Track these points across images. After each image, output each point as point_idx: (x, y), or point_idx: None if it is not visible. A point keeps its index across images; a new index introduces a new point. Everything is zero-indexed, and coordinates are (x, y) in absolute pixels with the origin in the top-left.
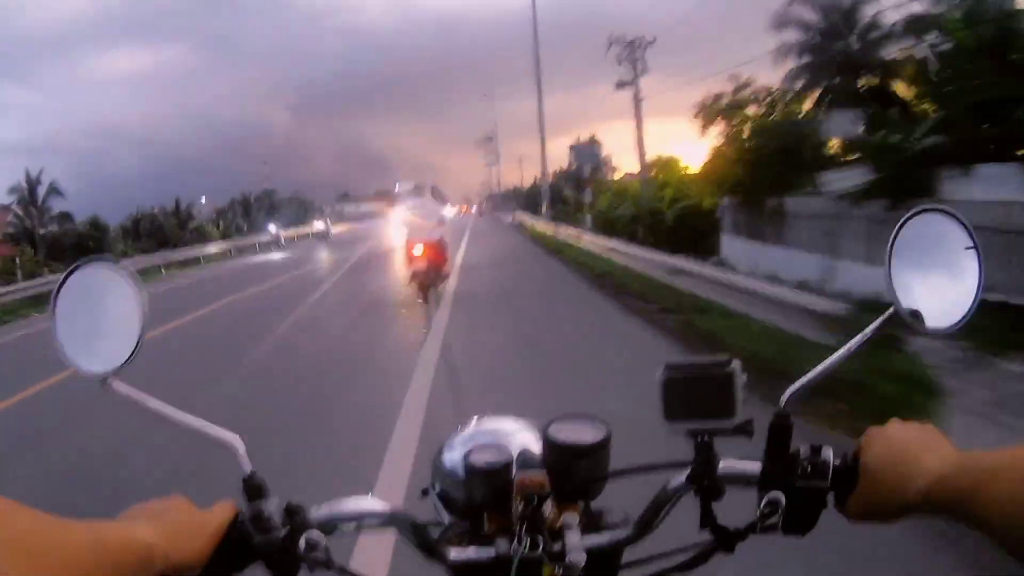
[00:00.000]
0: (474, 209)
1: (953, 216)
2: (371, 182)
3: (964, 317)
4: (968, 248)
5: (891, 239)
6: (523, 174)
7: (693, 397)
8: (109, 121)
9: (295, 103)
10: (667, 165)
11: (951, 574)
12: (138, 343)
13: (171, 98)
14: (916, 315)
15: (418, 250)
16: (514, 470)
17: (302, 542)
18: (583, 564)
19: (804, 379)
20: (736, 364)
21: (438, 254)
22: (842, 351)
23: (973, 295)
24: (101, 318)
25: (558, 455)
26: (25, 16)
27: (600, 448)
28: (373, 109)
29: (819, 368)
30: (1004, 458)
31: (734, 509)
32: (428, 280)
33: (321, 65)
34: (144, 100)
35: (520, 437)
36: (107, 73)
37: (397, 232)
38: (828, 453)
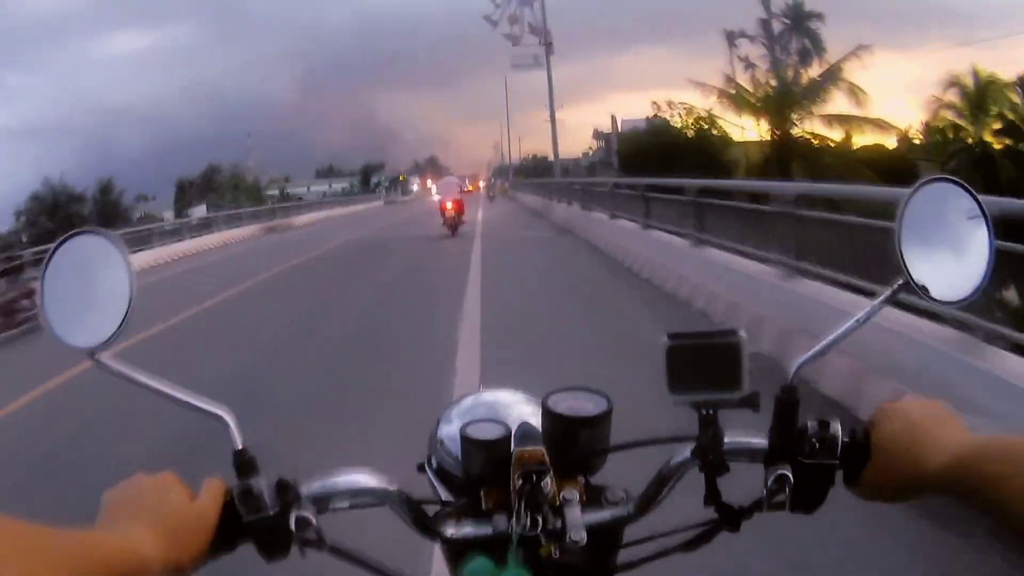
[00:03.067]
0: (482, 187)
1: (963, 187)
2: (377, 155)
3: (976, 289)
4: (975, 218)
5: (900, 209)
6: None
7: (698, 368)
8: (115, 101)
9: (302, 77)
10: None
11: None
12: (125, 316)
13: (177, 76)
14: (926, 287)
15: (449, 205)
16: (513, 444)
17: (293, 520)
18: (583, 542)
19: (813, 351)
20: (742, 334)
21: (460, 208)
22: (851, 322)
23: (984, 266)
24: (90, 291)
25: (558, 427)
26: (24, 1)
27: (601, 420)
28: (381, 82)
29: (828, 339)
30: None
31: (740, 487)
32: (455, 223)
33: (328, 37)
34: (150, 79)
35: (519, 410)
36: (110, 54)
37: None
38: (837, 428)
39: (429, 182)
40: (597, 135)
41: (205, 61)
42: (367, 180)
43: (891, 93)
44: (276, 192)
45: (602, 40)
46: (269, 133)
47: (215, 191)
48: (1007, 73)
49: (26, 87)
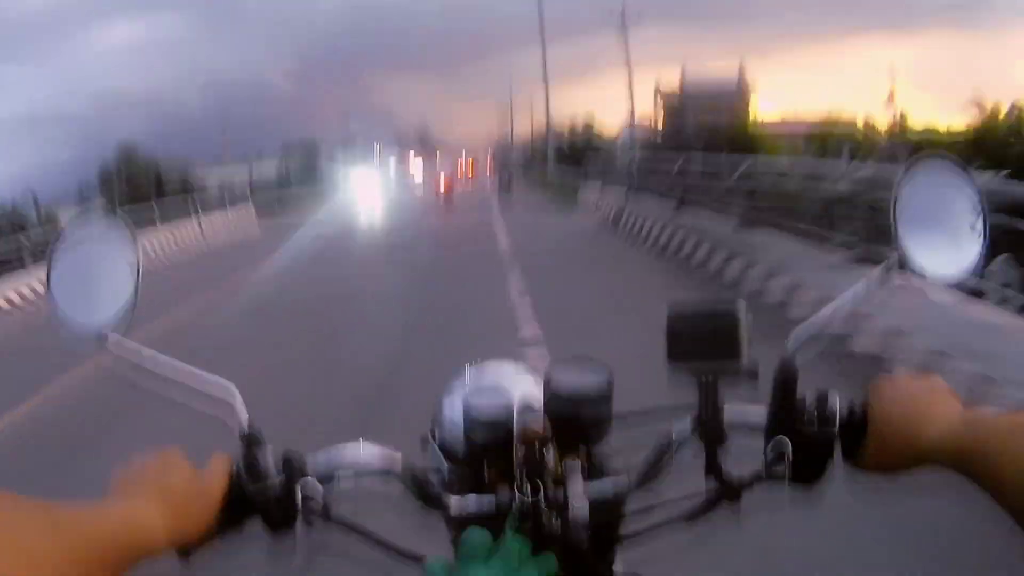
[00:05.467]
0: (479, 167)
1: (957, 165)
2: (365, 131)
3: (970, 267)
4: (970, 197)
5: (896, 186)
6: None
7: (698, 337)
8: (110, 89)
9: (295, 62)
10: None
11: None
12: (132, 299)
13: (171, 64)
14: (921, 264)
15: (443, 183)
16: (515, 416)
17: (298, 492)
18: (586, 513)
19: (809, 323)
20: (742, 305)
21: (452, 185)
22: (847, 296)
23: (978, 244)
24: (97, 273)
25: (559, 401)
26: None
27: (601, 393)
28: (376, 64)
29: (825, 312)
30: (1017, 422)
31: (739, 458)
32: (448, 196)
33: (322, 22)
34: (144, 67)
35: (521, 383)
36: (104, 44)
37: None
38: (835, 400)
39: (412, 155)
40: (664, 96)
41: (199, 46)
42: (314, 160)
43: None
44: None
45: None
46: (258, 113)
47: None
48: None
49: (23, 77)
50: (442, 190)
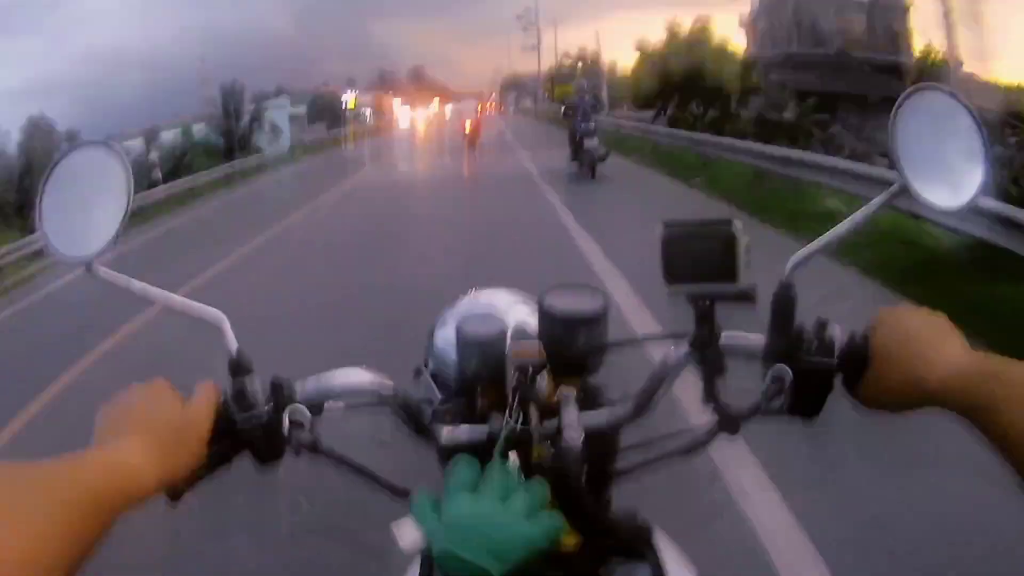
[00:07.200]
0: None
1: (953, 96)
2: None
3: (973, 197)
4: (969, 127)
5: (893, 114)
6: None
7: (694, 259)
8: (108, 47)
9: (297, 5)
10: None
11: None
12: (120, 226)
13: (169, 16)
14: (922, 192)
15: (468, 126)
16: (508, 341)
17: (286, 420)
18: (580, 443)
19: (808, 248)
20: (738, 224)
21: (478, 128)
22: (847, 222)
23: (980, 175)
24: (89, 202)
25: (554, 325)
26: None
27: (597, 318)
28: (376, 6)
29: (824, 238)
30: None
31: (737, 387)
32: (473, 140)
33: None
34: (141, 22)
35: (515, 309)
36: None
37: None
38: (835, 330)
39: (399, 104)
40: None
41: (196, 3)
42: (234, 115)
43: None
44: None
45: None
46: (253, 61)
47: None
48: None
49: (20, 46)
50: (468, 132)
